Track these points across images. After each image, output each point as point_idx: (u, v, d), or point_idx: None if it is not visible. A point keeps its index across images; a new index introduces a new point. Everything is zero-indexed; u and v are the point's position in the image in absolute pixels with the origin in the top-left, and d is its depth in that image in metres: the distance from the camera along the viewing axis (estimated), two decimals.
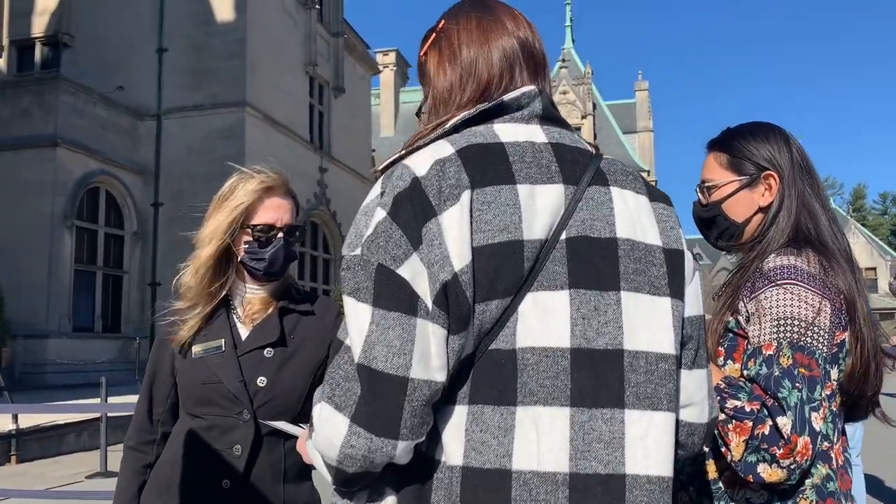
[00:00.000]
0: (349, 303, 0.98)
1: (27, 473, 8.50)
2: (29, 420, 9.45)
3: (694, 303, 1.13)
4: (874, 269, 45.14)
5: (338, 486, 1.04)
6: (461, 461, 0.96)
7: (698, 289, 1.15)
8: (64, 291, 17.76)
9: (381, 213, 0.99)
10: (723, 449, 1.40)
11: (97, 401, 8.32)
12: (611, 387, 0.99)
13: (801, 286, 1.44)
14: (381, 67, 36.67)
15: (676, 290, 1.08)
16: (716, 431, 1.39)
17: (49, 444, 9.75)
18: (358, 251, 0.99)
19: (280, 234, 1.93)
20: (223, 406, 1.87)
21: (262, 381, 1.88)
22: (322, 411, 0.98)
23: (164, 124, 21.01)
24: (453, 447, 0.97)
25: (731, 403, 1.38)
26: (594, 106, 43.98)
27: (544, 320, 0.98)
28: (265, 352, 1.91)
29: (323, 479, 1.09)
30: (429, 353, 0.94)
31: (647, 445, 1.00)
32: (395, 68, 41.68)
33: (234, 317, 1.97)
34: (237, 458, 1.86)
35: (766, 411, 1.36)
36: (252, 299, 1.97)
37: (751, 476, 1.37)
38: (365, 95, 30.21)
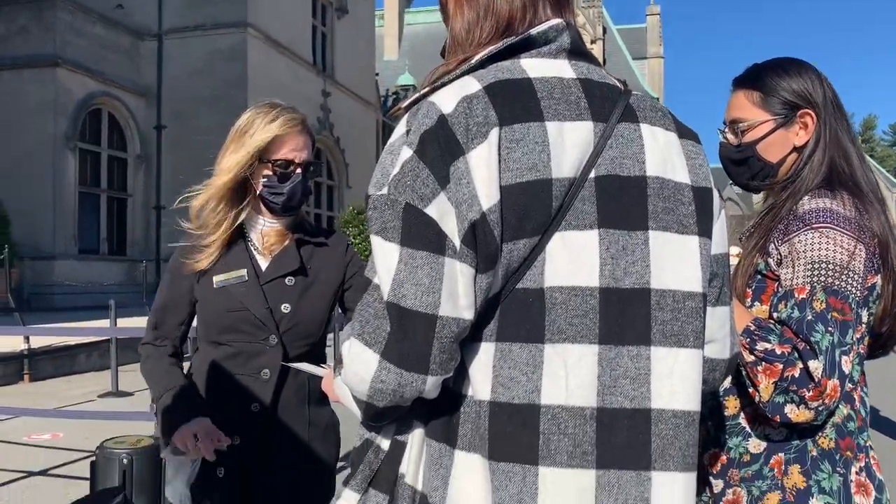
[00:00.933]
0: (377, 242, 0.98)
1: (40, 392, 8.71)
2: (40, 341, 9.62)
3: (720, 240, 1.13)
4: None
5: (367, 421, 1.06)
6: (489, 396, 0.98)
7: (724, 226, 1.15)
8: (69, 213, 17.80)
9: (407, 152, 0.98)
10: (750, 389, 1.41)
11: (106, 322, 8.44)
12: (637, 325, 1.00)
13: (836, 230, 1.42)
14: None
15: (704, 229, 1.08)
16: (744, 372, 1.41)
17: (61, 364, 9.96)
18: (385, 190, 0.98)
19: (298, 170, 1.98)
20: (250, 333, 1.93)
21: (286, 307, 1.95)
22: (352, 348, 1.00)
23: (165, 45, 20.62)
24: (480, 382, 0.99)
25: (761, 346, 1.39)
26: (604, 30, 42.99)
27: (573, 260, 0.98)
28: (287, 280, 1.97)
29: (346, 411, 1.11)
30: (457, 292, 0.95)
31: (673, 381, 1.02)
32: None
33: (252, 248, 2.01)
34: (265, 382, 1.93)
35: (796, 354, 1.36)
36: (269, 232, 2.02)
37: (778, 416, 1.38)
38: (369, 17, 29.52)
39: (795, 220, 1.47)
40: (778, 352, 1.38)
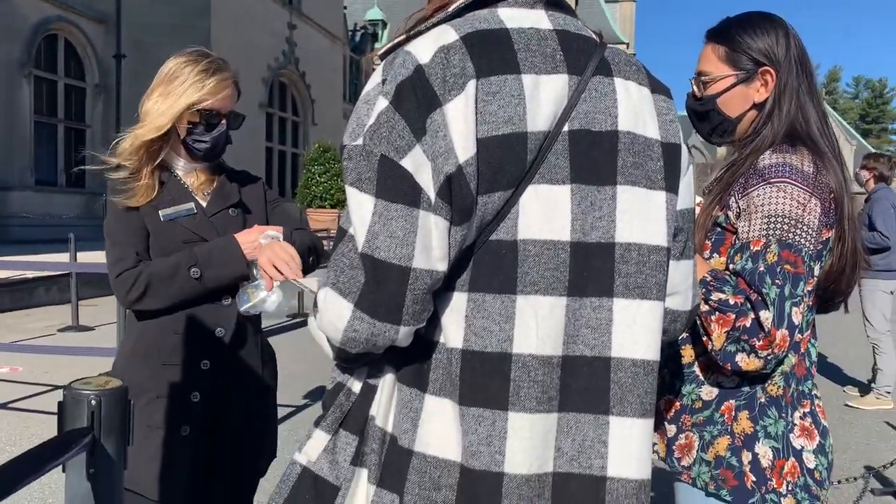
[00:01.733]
0: (351, 193, 0.99)
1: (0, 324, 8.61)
2: None
3: (686, 196, 1.15)
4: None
5: (339, 363, 1.09)
6: (461, 344, 1.00)
7: (691, 181, 1.17)
8: (24, 143, 17.28)
9: (383, 102, 0.98)
10: (704, 338, 1.47)
11: (66, 256, 8.31)
12: (600, 277, 1.03)
13: (792, 184, 1.46)
14: None
15: (671, 185, 1.10)
16: (698, 321, 1.46)
17: (19, 298, 9.82)
18: (360, 141, 0.98)
19: (224, 121, 2.05)
20: None
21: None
22: (327, 296, 1.01)
23: None
24: (453, 331, 1.01)
25: (715, 296, 1.44)
26: None
27: (546, 213, 1.00)
28: (230, 211, 2.09)
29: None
30: (430, 244, 0.96)
31: (634, 332, 1.06)
32: None
33: (186, 187, 2.08)
34: (227, 308, 2.02)
35: (749, 304, 1.41)
36: (197, 172, 2.11)
37: (729, 365, 1.44)
38: None
39: (755, 175, 1.50)
40: (731, 302, 1.42)
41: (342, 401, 1.11)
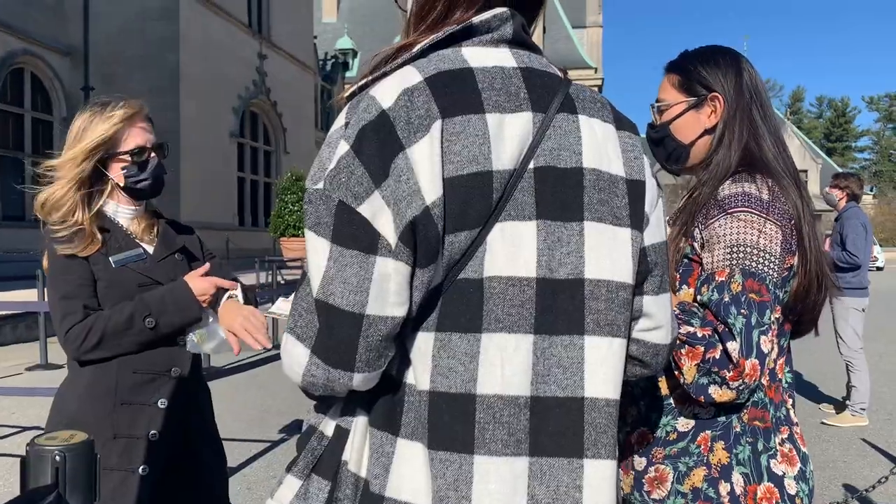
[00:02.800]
0: (310, 237, 0.99)
1: None
2: None
3: (657, 229, 1.15)
4: (805, 171, 46.49)
5: (314, 401, 1.10)
6: (428, 386, 0.99)
7: (661, 214, 1.17)
8: None
9: (344, 147, 0.97)
10: (675, 372, 1.46)
11: (34, 293, 8.15)
12: (571, 314, 1.02)
13: (751, 212, 1.47)
14: None
15: (636, 222, 1.09)
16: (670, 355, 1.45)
17: None
18: (320, 185, 0.98)
19: (153, 155, 2.11)
20: None
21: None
22: (287, 340, 1.02)
23: (91, 2, 19.76)
24: (421, 372, 1.00)
25: (684, 329, 1.43)
26: None
27: (511, 250, 0.99)
28: (176, 256, 2.15)
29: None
30: (387, 290, 0.96)
31: (605, 370, 1.04)
32: None
33: (130, 235, 2.11)
34: (181, 348, 2.06)
35: (716, 336, 1.41)
36: (137, 218, 2.15)
37: (702, 397, 1.43)
38: None
39: (715, 206, 1.52)
40: (699, 335, 1.43)
41: (314, 445, 1.09)
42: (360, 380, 0.99)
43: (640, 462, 1.57)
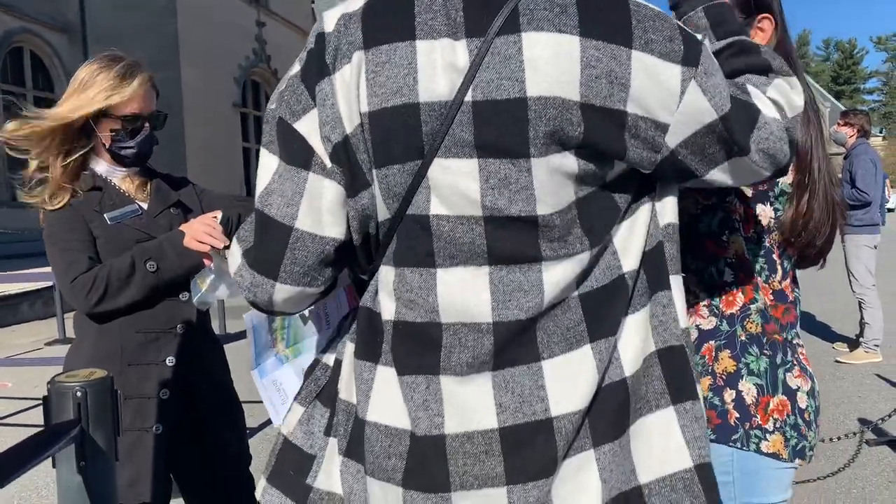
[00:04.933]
0: (262, 153, 1.04)
1: None
2: None
3: (688, 121, 0.97)
4: None
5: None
6: (394, 316, 1.02)
7: (697, 102, 0.96)
8: None
9: (296, 68, 1.03)
10: None
11: (47, 270, 8.20)
12: (526, 247, 0.99)
13: None
14: None
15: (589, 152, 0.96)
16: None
17: (4, 315, 9.70)
18: (273, 104, 1.04)
19: (146, 124, 2.05)
20: None
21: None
22: (232, 243, 1.10)
23: None
24: (387, 303, 1.03)
25: None
26: None
27: (454, 189, 0.97)
28: (171, 210, 2.12)
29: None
30: (319, 207, 1.00)
31: (563, 287, 1.01)
32: None
33: (123, 192, 2.09)
34: (185, 303, 2.06)
35: None
36: (130, 177, 2.11)
37: None
38: None
39: None
40: None
41: (318, 375, 1.16)
42: (281, 292, 1.04)
43: None
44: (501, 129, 0.93)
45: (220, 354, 2.23)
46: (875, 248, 6.23)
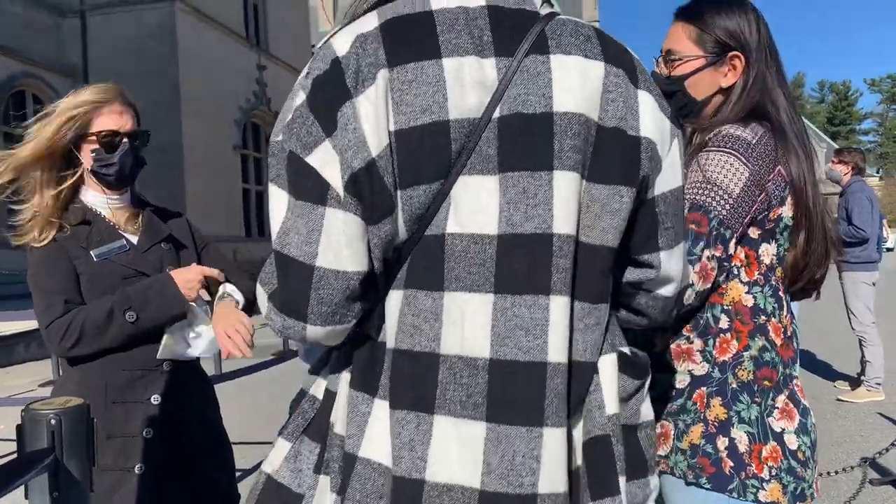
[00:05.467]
0: (271, 189, 0.98)
1: None
2: None
3: (669, 176, 1.06)
4: None
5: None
6: (393, 344, 0.97)
7: (676, 159, 1.08)
8: None
9: (301, 97, 0.96)
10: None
11: None
12: (537, 273, 0.95)
13: (724, 153, 1.46)
14: None
15: (596, 172, 0.99)
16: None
17: None
18: (280, 137, 0.97)
19: (125, 140, 2.00)
20: None
21: (171, 268, 2.03)
22: (257, 283, 1.04)
23: (89, 22, 19.85)
24: (389, 330, 0.98)
25: None
26: None
27: (474, 205, 0.95)
28: (162, 245, 2.07)
29: None
30: (337, 242, 0.93)
31: (577, 333, 0.99)
32: None
33: (112, 225, 2.04)
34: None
35: None
36: (121, 208, 2.07)
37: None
38: None
39: (700, 149, 1.50)
40: None
41: (305, 408, 1.09)
42: (313, 332, 0.98)
43: None
44: (526, 141, 0.95)
45: (209, 392, 2.18)
46: (873, 285, 6.21)
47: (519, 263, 0.95)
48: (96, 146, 1.97)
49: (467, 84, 0.94)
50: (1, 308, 11.08)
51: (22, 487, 0.87)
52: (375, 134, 0.92)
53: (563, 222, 0.96)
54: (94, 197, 2.04)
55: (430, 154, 0.93)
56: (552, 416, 0.96)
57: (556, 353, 0.96)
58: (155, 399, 1.96)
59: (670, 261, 1.10)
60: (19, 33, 17.84)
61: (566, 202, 0.96)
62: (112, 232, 2.01)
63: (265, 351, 8.59)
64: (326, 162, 0.93)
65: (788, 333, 1.54)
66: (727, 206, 1.44)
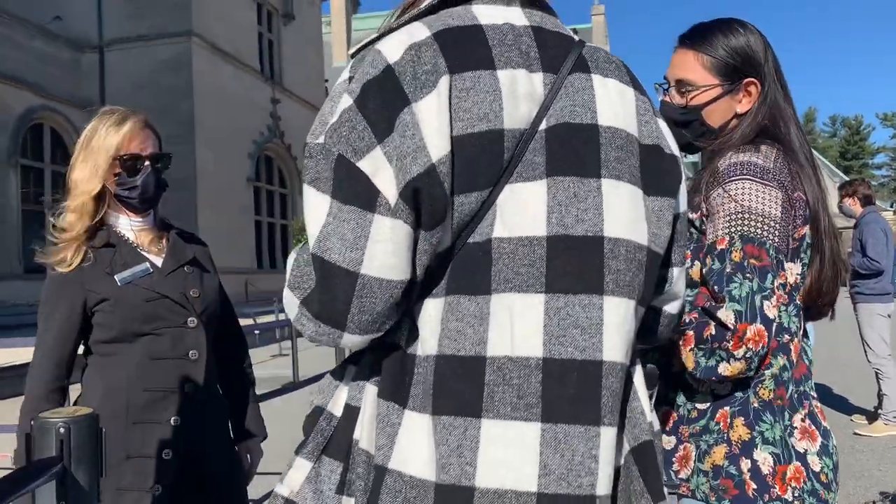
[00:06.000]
0: (309, 192, 0.96)
1: None
2: None
3: (682, 199, 1.12)
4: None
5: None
6: (436, 350, 0.95)
7: (684, 186, 1.14)
8: (13, 232, 17.29)
9: (347, 101, 0.95)
10: (682, 362, 1.44)
11: None
12: (590, 273, 0.96)
13: (749, 180, 1.45)
14: None
15: (649, 185, 1.05)
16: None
17: (9, 384, 9.63)
18: (321, 139, 0.95)
19: (147, 163, 2.04)
20: (170, 319, 2.00)
21: (194, 292, 2.06)
22: (285, 287, 1.01)
23: (107, 56, 20.24)
24: (429, 337, 0.96)
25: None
26: None
27: (520, 211, 0.95)
28: (186, 269, 2.09)
29: None
30: (385, 251, 0.92)
31: (622, 334, 0.99)
32: None
33: (137, 248, 2.07)
34: (194, 363, 2.02)
35: (704, 314, 1.39)
36: (145, 230, 2.10)
37: (713, 377, 1.40)
38: (315, 23, 29.36)
39: (715, 177, 1.49)
40: (687, 320, 1.41)
41: (323, 426, 1.04)
42: (350, 339, 0.97)
43: (669, 441, 1.53)
44: (574, 149, 0.98)
45: (225, 416, 2.18)
46: (888, 316, 6.14)
47: (571, 265, 0.95)
48: (119, 169, 2.01)
49: (519, 95, 0.96)
50: (14, 337, 11.12)
51: (30, 495, 0.87)
52: (438, 139, 0.91)
53: (613, 226, 0.98)
54: (119, 220, 2.07)
55: (486, 161, 0.94)
56: (608, 415, 0.96)
57: (612, 351, 0.97)
58: (175, 421, 1.96)
59: (680, 278, 1.14)
60: (38, 67, 18.19)
61: (615, 208, 0.99)
62: (136, 255, 2.03)
63: (275, 382, 8.58)
64: (378, 168, 0.92)
65: (797, 350, 1.53)
66: (777, 233, 1.43)
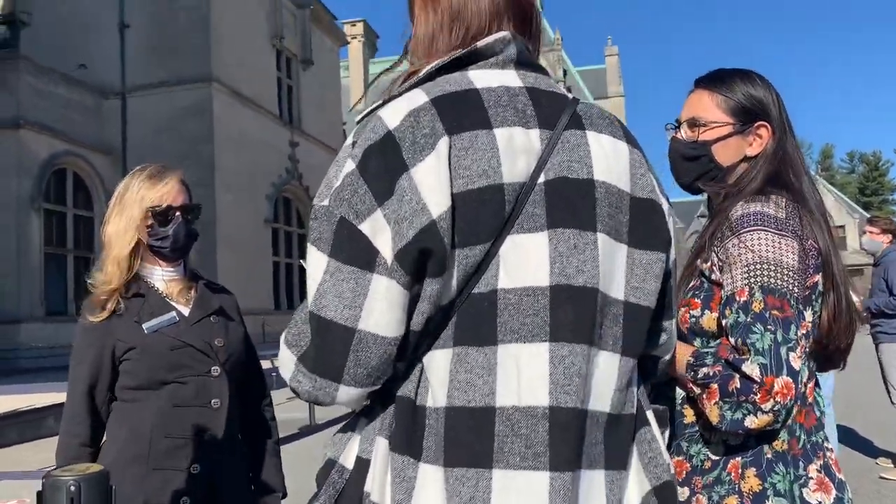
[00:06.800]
0: (310, 251, 1.00)
1: (5, 459, 8.44)
2: (5, 404, 9.36)
3: (673, 249, 1.15)
4: (842, 226, 45.81)
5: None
6: (445, 402, 0.97)
7: (672, 238, 1.16)
8: (35, 275, 17.52)
9: (350, 166, 1.00)
10: (705, 417, 1.43)
11: None
12: (585, 324, 1.00)
13: (763, 230, 1.45)
14: (348, 39, 36.25)
15: (637, 240, 1.08)
16: (699, 403, 1.45)
17: (26, 428, 9.67)
18: (326, 202, 1.00)
19: (178, 213, 2.10)
20: (194, 367, 2.05)
21: (219, 341, 2.11)
22: (281, 346, 1.05)
23: (129, 102, 20.67)
24: (438, 389, 0.98)
25: (700, 373, 1.41)
26: (564, 72, 43.87)
27: (523, 261, 0.99)
28: (212, 318, 2.14)
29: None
30: (381, 309, 0.96)
31: (608, 384, 1.03)
32: (363, 39, 41.16)
33: (165, 298, 2.12)
34: (216, 411, 2.05)
35: (729, 367, 1.37)
36: (173, 281, 2.15)
37: (740, 431, 1.38)
38: (334, 68, 29.88)
39: (727, 228, 1.49)
40: (711, 373, 1.40)
41: (335, 478, 1.06)
42: (346, 393, 1.00)
43: (683, 492, 1.50)
44: (572, 202, 1.02)
45: (244, 465, 2.19)
46: None
47: (573, 313, 0.99)
48: (151, 222, 2.07)
49: (517, 150, 1.00)
50: (34, 381, 11.20)
51: None
52: (438, 196, 0.95)
53: (603, 281, 1.02)
54: (149, 269, 2.12)
55: (488, 215, 0.97)
56: (613, 459, 1.02)
57: (596, 402, 1.01)
58: (194, 468, 1.98)
59: (673, 327, 1.18)
60: (62, 113, 18.61)
61: (604, 263, 1.03)
62: (164, 304, 2.08)
63: (291, 425, 8.54)
64: (378, 230, 0.96)
65: (809, 400, 1.52)
66: (797, 283, 1.42)
